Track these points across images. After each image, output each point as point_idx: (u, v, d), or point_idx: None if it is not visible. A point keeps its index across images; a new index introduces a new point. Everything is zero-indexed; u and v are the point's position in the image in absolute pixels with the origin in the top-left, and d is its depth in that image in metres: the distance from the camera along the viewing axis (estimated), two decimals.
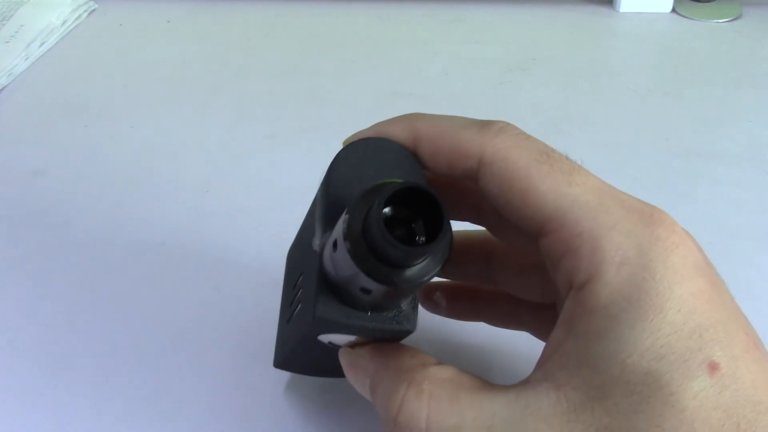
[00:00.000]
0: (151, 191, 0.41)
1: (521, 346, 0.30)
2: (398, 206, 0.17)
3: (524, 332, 0.27)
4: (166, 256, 0.37)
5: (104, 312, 0.34)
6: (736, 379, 0.17)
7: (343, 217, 0.18)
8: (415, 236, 0.18)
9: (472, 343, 0.31)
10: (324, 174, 0.22)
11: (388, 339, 0.22)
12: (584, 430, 0.17)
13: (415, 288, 0.18)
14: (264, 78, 0.54)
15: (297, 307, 0.23)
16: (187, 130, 0.47)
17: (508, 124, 0.21)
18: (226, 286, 0.35)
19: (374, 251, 0.17)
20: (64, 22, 0.60)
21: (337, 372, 0.23)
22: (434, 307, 0.29)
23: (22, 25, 0.58)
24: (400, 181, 0.18)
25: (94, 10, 0.64)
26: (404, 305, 0.20)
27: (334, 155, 0.22)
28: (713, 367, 0.17)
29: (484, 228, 0.25)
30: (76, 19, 0.62)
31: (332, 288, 0.20)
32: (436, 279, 0.19)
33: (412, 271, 0.18)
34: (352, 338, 0.22)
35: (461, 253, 0.24)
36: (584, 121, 0.48)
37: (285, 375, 0.30)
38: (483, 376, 0.20)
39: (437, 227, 0.17)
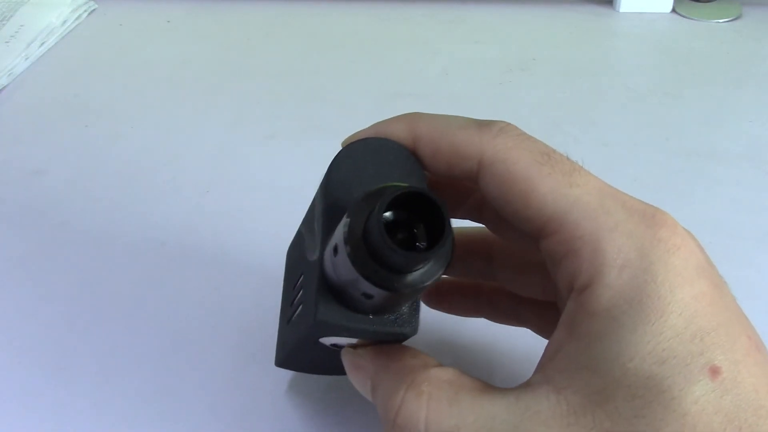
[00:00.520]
0: (151, 191, 0.41)
1: (523, 347, 0.30)
2: (399, 210, 0.17)
3: (526, 334, 0.27)
4: (166, 256, 0.37)
5: (104, 312, 0.34)
6: (738, 383, 0.17)
7: (344, 221, 0.18)
8: (416, 241, 0.18)
9: (474, 345, 0.31)
10: (323, 176, 0.22)
11: (389, 341, 0.21)
12: None
13: (417, 293, 0.18)
14: (264, 78, 0.54)
15: (298, 308, 0.23)
16: (187, 130, 0.47)
17: (509, 124, 0.21)
18: (226, 286, 0.35)
19: (375, 256, 0.17)
20: (64, 22, 0.60)
21: (338, 370, 0.23)
22: (436, 304, 0.29)
23: (22, 25, 0.58)
24: (401, 184, 0.18)
25: (94, 10, 0.64)
26: (406, 307, 0.20)
27: (334, 156, 0.22)
28: (715, 372, 0.17)
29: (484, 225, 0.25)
30: (76, 19, 0.62)
31: (333, 291, 0.20)
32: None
33: (413, 276, 0.17)
34: (353, 340, 0.22)
35: (462, 250, 0.24)
36: (584, 121, 0.48)
37: (286, 375, 0.30)
38: (484, 378, 0.20)
39: (439, 232, 0.17)
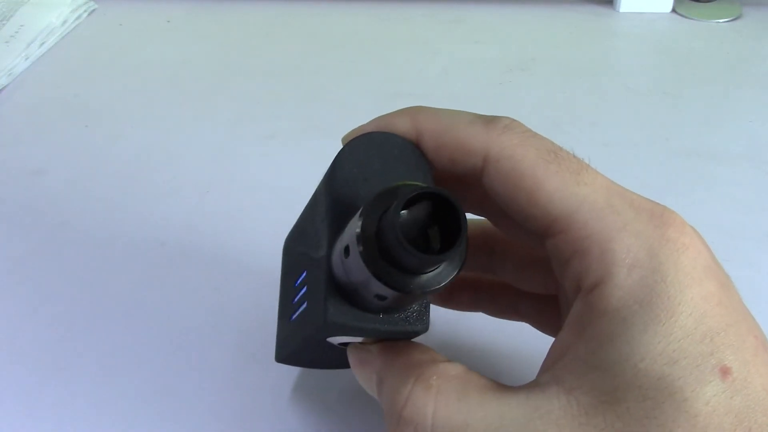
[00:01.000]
0: (151, 191, 0.41)
1: (528, 347, 0.29)
2: (413, 210, 0.17)
3: (531, 334, 0.27)
4: (166, 256, 0.37)
5: (104, 312, 0.34)
6: (748, 383, 0.17)
7: (356, 220, 0.17)
8: (430, 241, 0.17)
9: (479, 344, 0.31)
10: (327, 170, 0.21)
11: (399, 338, 0.21)
12: None
13: (429, 294, 0.18)
14: (264, 78, 0.54)
15: (301, 306, 0.23)
16: (187, 130, 0.47)
17: (514, 120, 0.21)
18: (226, 286, 0.35)
19: (388, 257, 0.17)
20: (64, 22, 0.60)
21: (341, 364, 0.23)
22: (434, 298, 0.28)
23: (22, 25, 0.58)
24: (416, 183, 0.18)
25: (94, 10, 0.64)
26: (416, 305, 0.20)
27: (338, 151, 0.21)
28: (725, 372, 0.17)
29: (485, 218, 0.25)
30: (76, 19, 0.62)
31: (342, 291, 0.19)
32: None
33: (426, 278, 0.17)
34: (361, 338, 0.22)
35: None
36: (584, 121, 0.48)
37: (286, 374, 0.30)
38: (491, 375, 0.20)
39: (454, 233, 0.16)
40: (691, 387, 0.17)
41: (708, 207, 0.40)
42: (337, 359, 0.24)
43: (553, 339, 0.25)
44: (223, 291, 0.35)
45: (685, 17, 0.62)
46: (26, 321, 0.33)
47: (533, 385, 0.19)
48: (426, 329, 0.20)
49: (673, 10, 0.63)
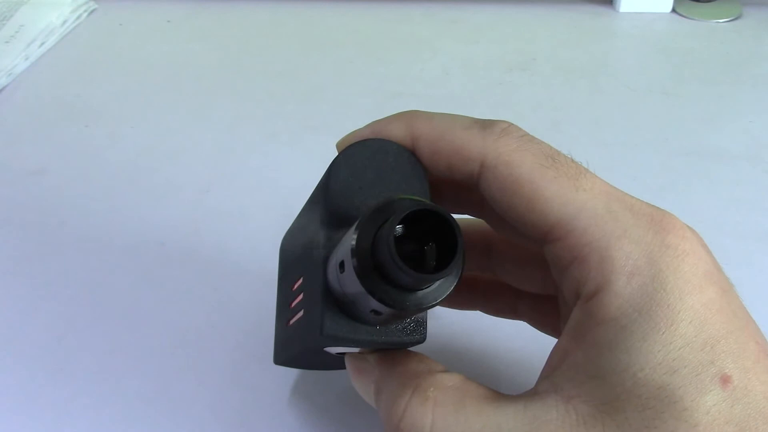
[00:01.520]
0: (151, 191, 0.42)
1: (529, 352, 0.29)
2: (409, 227, 0.17)
3: (532, 339, 0.27)
4: (166, 256, 0.37)
5: (104, 312, 0.34)
6: (748, 391, 0.17)
7: (352, 234, 0.17)
8: (425, 258, 0.17)
9: (479, 345, 0.31)
10: (322, 178, 0.21)
11: (396, 348, 0.21)
12: None
13: (425, 310, 0.18)
14: (264, 78, 0.54)
15: (298, 312, 0.23)
16: (187, 130, 0.47)
17: (511, 124, 0.21)
18: (226, 286, 0.35)
19: (383, 273, 0.17)
20: (64, 22, 0.60)
21: (340, 365, 0.23)
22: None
23: (22, 25, 0.58)
24: (412, 198, 0.18)
25: (94, 10, 0.64)
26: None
27: (332, 160, 0.21)
28: (725, 380, 0.17)
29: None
30: (76, 19, 0.62)
31: (338, 302, 0.19)
32: None
33: (422, 294, 0.17)
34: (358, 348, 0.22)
35: None
36: (584, 121, 0.48)
37: (286, 374, 0.30)
38: (490, 383, 0.20)
39: (451, 251, 0.16)
40: (691, 396, 0.16)
41: (708, 207, 0.40)
42: (335, 361, 0.24)
43: (551, 339, 0.25)
44: (223, 291, 0.35)
45: (685, 17, 0.62)
46: (26, 321, 0.33)
47: (531, 394, 0.19)
48: (423, 340, 0.20)
49: (673, 10, 0.63)
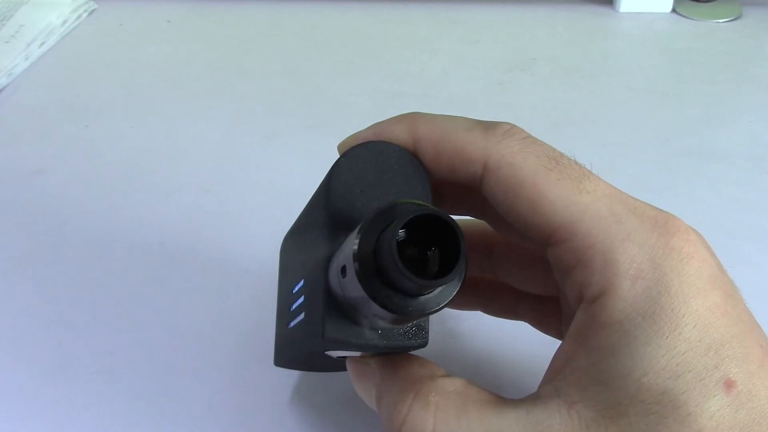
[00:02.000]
0: (151, 191, 0.41)
1: (531, 355, 0.29)
2: (412, 231, 0.17)
3: (532, 339, 0.27)
4: (166, 256, 0.37)
5: (104, 312, 0.34)
6: (753, 396, 0.17)
7: (353, 239, 0.17)
8: (428, 263, 0.17)
9: (481, 347, 0.31)
10: (324, 181, 0.21)
11: (398, 352, 0.21)
12: None
13: (427, 315, 0.18)
14: (264, 78, 0.54)
15: (299, 316, 0.22)
16: (187, 130, 0.47)
17: (514, 126, 0.20)
18: (226, 286, 0.35)
19: (386, 280, 0.16)
20: (64, 22, 0.60)
21: (341, 367, 0.23)
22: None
23: (22, 25, 0.58)
24: (415, 202, 0.17)
25: (94, 10, 0.64)
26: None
27: (334, 162, 0.21)
28: (729, 385, 0.17)
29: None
30: (76, 19, 0.62)
31: (339, 307, 0.19)
32: None
33: (425, 299, 0.17)
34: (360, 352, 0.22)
35: None
36: (584, 121, 0.48)
37: (286, 375, 0.30)
38: (492, 386, 0.20)
39: (453, 256, 0.16)
40: (695, 401, 0.16)
41: (708, 207, 0.40)
42: (336, 364, 0.24)
43: (554, 342, 0.25)
44: (223, 291, 0.35)
45: (685, 17, 0.62)
46: (26, 321, 0.33)
47: (534, 398, 0.18)
48: (425, 344, 0.20)
49: (673, 10, 0.63)
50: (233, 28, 0.61)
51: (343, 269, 0.18)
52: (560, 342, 0.20)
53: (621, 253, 0.18)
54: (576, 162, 0.20)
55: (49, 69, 0.55)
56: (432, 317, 0.20)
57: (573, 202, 0.19)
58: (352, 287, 0.17)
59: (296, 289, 0.23)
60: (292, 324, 0.23)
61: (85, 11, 0.63)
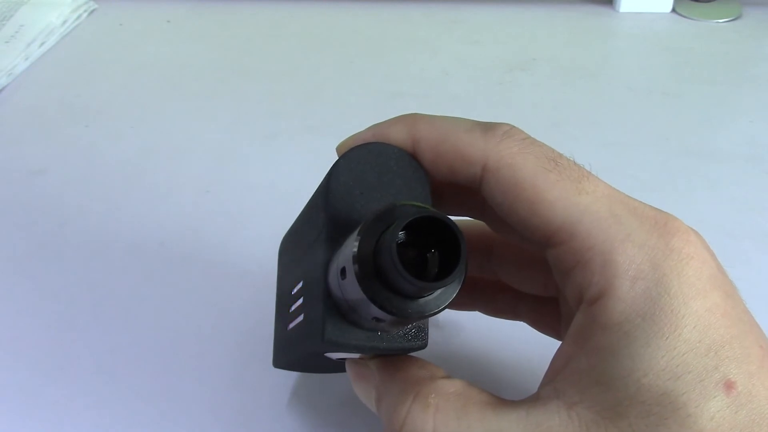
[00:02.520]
0: (151, 191, 0.41)
1: (531, 357, 0.29)
2: (412, 234, 0.17)
3: (532, 339, 0.27)
4: (166, 256, 0.37)
5: (104, 312, 0.34)
6: (753, 397, 0.17)
7: (353, 241, 0.17)
8: (428, 265, 0.17)
9: (481, 348, 0.31)
10: (323, 182, 0.21)
11: (397, 354, 0.21)
12: None
13: (426, 317, 0.18)
14: (264, 78, 0.54)
15: (298, 317, 0.22)
16: (187, 130, 0.47)
17: (513, 127, 0.20)
18: (226, 286, 0.35)
19: (385, 281, 0.16)
20: (64, 22, 0.60)
21: (339, 369, 0.23)
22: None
23: (22, 25, 0.58)
24: (415, 204, 0.17)
25: (94, 10, 0.64)
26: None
27: (333, 164, 0.21)
28: (729, 386, 0.17)
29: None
30: (76, 19, 0.62)
31: (339, 308, 0.19)
32: None
33: (424, 301, 0.17)
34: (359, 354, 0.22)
35: None
36: (584, 121, 0.48)
37: (286, 376, 0.30)
38: (492, 388, 0.20)
39: (453, 259, 0.16)
40: (695, 402, 0.16)
41: (708, 207, 0.40)
42: (335, 365, 0.24)
43: (554, 343, 0.25)
44: (223, 291, 0.35)
45: (685, 17, 0.62)
46: (26, 321, 0.33)
47: (534, 399, 0.18)
48: (425, 345, 0.20)
49: (673, 10, 0.63)
50: (233, 28, 0.61)
51: (343, 271, 0.18)
52: (560, 343, 0.20)
53: (620, 254, 0.18)
54: (575, 163, 0.20)
55: (49, 69, 0.55)
56: (431, 318, 0.20)
57: (572, 203, 0.19)
58: (351, 289, 0.17)
59: (295, 290, 0.23)
60: (291, 325, 0.23)
61: (85, 11, 0.63)
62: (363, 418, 0.28)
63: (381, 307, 0.17)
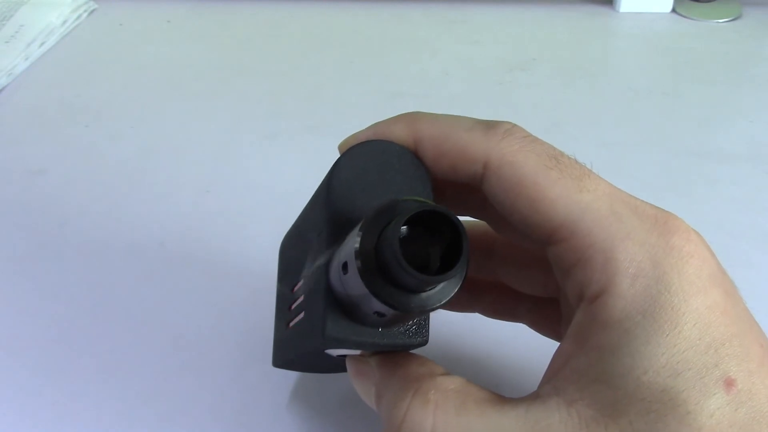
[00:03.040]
0: (151, 191, 0.41)
1: (531, 355, 0.29)
2: (414, 228, 0.17)
3: (532, 340, 0.27)
4: (166, 256, 0.37)
5: (104, 312, 0.34)
6: (752, 395, 0.17)
7: (355, 237, 0.17)
8: (430, 259, 0.17)
9: (481, 348, 0.31)
10: (324, 180, 0.21)
11: (398, 350, 0.21)
12: None
13: (428, 312, 0.18)
14: (264, 78, 0.54)
15: (299, 315, 0.22)
16: (187, 130, 0.47)
17: (515, 125, 0.20)
18: (226, 286, 0.35)
19: (387, 275, 0.16)
20: (64, 22, 0.60)
21: (339, 369, 0.23)
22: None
23: (22, 25, 0.58)
24: (416, 199, 0.17)
25: (94, 10, 0.64)
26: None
27: (335, 161, 0.21)
28: (729, 384, 0.17)
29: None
30: (76, 19, 0.62)
31: (340, 305, 0.19)
32: None
33: (426, 296, 0.17)
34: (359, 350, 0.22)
35: None
36: (584, 121, 0.48)
37: (286, 376, 0.30)
38: (491, 386, 0.20)
39: (455, 252, 0.16)
40: (695, 400, 0.16)
41: (708, 207, 0.40)
42: (335, 365, 0.24)
43: (553, 341, 0.25)
44: (223, 291, 0.35)
45: (685, 17, 0.62)
46: (26, 321, 0.33)
47: (534, 397, 0.18)
48: (425, 342, 0.20)
49: (673, 10, 0.63)
50: (233, 28, 0.61)
51: (345, 266, 0.18)
52: (559, 343, 0.20)
53: (621, 252, 0.18)
54: (576, 161, 0.20)
55: (49, 69, 0.55)
56: (432, 316, 0.20)
57: (573, 201, 0.19)
58: (353, 284, 0.17)
59: (296, 288, 0.23)
60: (292, 323, 0.23)
61: (85, 11, 0.63)
62: (362, 417, 0.28)
63: (383, 302, 0.17)
